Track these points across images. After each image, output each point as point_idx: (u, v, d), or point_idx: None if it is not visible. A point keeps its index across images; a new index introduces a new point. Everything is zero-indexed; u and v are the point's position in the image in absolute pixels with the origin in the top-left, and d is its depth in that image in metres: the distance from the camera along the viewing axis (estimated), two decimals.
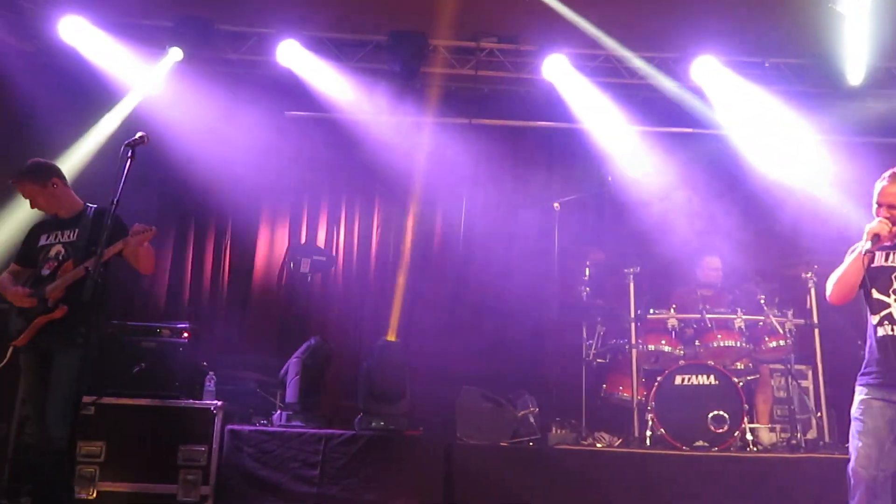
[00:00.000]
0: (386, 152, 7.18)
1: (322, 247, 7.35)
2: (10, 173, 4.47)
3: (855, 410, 3.57)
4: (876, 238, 3.57)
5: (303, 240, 7.42)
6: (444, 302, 7.27)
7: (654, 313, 6.09)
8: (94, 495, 5.12)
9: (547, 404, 5.99)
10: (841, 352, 5.84)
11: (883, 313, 3.60)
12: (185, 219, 7.35)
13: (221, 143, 6.96)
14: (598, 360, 6.45)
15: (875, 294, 3.63)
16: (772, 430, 5.87)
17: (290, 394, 5.90)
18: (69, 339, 4.07)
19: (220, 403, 5.43)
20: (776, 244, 7.10)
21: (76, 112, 6.83)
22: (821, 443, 5.84)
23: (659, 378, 5.69)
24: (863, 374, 3.62)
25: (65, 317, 4.17)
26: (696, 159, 7.14)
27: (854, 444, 3.51)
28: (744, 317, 5.92)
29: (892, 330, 3.55)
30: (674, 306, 6.07)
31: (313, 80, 7.07)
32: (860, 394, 3.58)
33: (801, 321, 6.05)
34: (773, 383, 6.18)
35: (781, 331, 5.92)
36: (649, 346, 6.01)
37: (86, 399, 4.95)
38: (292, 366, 6.05)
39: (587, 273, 6.49)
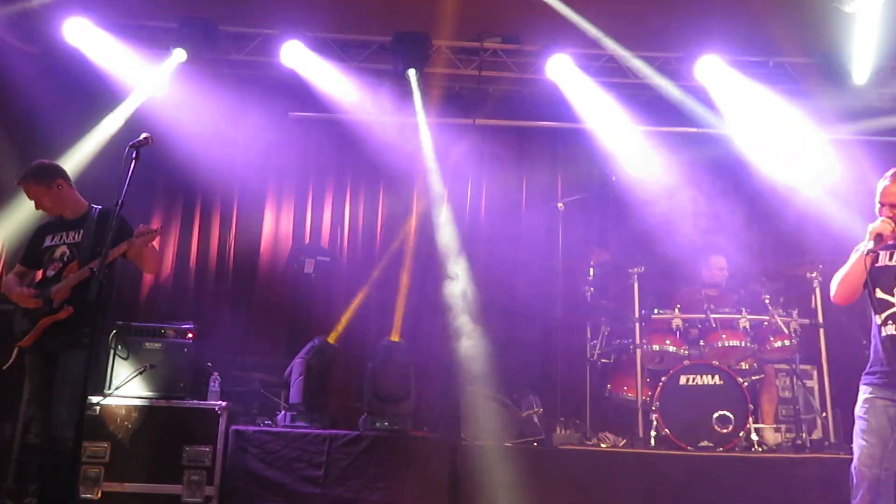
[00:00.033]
0: (390, 153, 7.18)
1: (326, 247, 7.36)
2: (15, 175, 4.49)
3: (859, 409, 3.58)
4: (878, 238, 3.56)
5: (307, 240, 7.43)
6: (448, 302, 7.26)
7: (659, 313, 6.08)
8: (99, 496, 5.13)
9: (551, 404, 5.99)
10: (846, 352, 5.82)
11: (887, 313, 3.59)
12: (189, 219, 7.36)
13: (225, 144, 6.98)
14: (603, 361, 6.44)
15: (879, 294, 3.62)
16: (777, 430, 5.85)
17: (294, 394, 5.91)
18: (74, 339, 4.08)
19: (224, 404, 5.44)
20: (781, 244, 7.09)
21: (80, 113, 6.85)
22: (826, 443, 5.82)
23: (663, 378, 5.68)
24: (867, 374, 3.62)
25: (70, 318, 4.19)
26: (700, 159, 7.12)
27: (857, 442, 3.51)
28: (748, 317, 5.90)
29: None
30: (678, 306, 6.05)
31: (317, 80, 7.07)
32: (864, 393, 3.59)
33: (806, 321, 6.03)
34: (777, 383, 6.16)
35: (786, 330, 5.90)
36: (654, 346, 6.00)
37: (91, 399, 4.98)
38: (296, 366, 6.06)
39: (591, 273, 6.49)
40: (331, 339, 6.64)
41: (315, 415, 5.77)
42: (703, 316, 5.96)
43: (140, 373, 5.48)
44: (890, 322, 3.57)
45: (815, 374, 6.23)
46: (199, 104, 6.88)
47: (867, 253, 3.55)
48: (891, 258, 3.65)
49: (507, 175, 7.51)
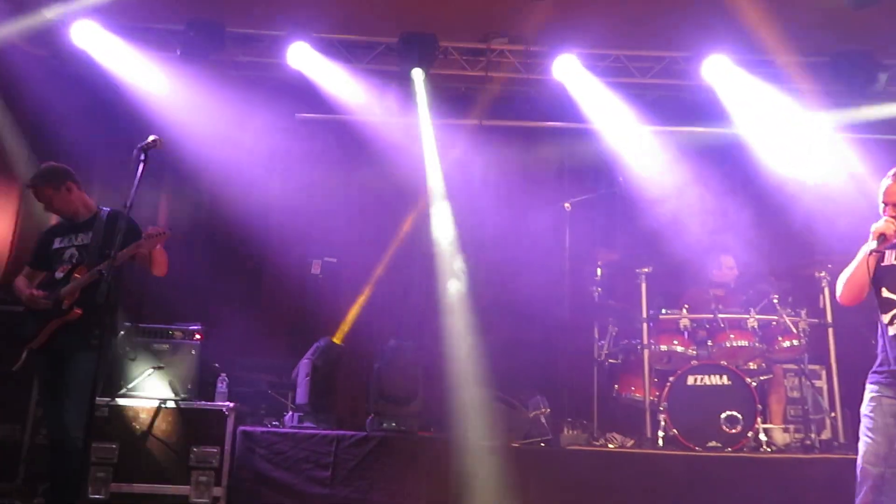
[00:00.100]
0: (396, 154, 7.19)
1: (333, 248, 7.36)
2: (25, 177, 4.52)
3: (865, 408, 3.58)
4: (882, 238, 3.54)
5: (314, 241, 7.43)
6: (455, 303, 7.25)
7: (667, 313, 6.07)
8: (108, 496, 5.15)
9: (559, 405, 5.98)
10: (855, 351, 5.77)
11: (893, 312, 3.58)
12: (196, 221, 7.38)
13: (232, 145, 7.00)
14: (610, 361, 6.43)
15: (885, 293, 3.62)
16: (785, 430, 5.83)
17: (301, 395, 5.93)
18: (84, 341, 4.10)
19: (232, 405, 5.46)
20: (789, 243, 7.05)
21: (88, 116, 6.88)
22: (835, 443, 5.80)
23: (671, 378, 5.67)
24: (873, 373, 3.62)
25: (79, 319, 4.22)
26: (707, 158, 7.10)
27: (863, 440, 3.52)
28: (757, 316, 5.88)
29: None
30: (686, 306, 6.04)
31: (323, 82, 7.08)
32: (870, 392, 3.59)
33: (815, 321, 6.01)
34: (786, 383, 6.14)
35: (795, 330, 5.88)
36: (661, 347, 5.99)
37: (99, 401, 5.00)
38: (302, 367, 6.07)
39: (599, 273, 6.47)
40: (336, 340, 6.66)
41: (322, 415, 5.78)
42: (711, 316, 5.94)
43: (148, 374, 5.51)
44: None
45: (823, 374, 6.21)
46: (206, 106, 6.90)
47: (871, 253, 3.54)
48: None
49: (513, 176, 7.50)
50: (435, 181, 7.17)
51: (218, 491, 5.23)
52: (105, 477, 5.16)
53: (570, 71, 7.01)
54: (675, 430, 5.48)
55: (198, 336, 5.75)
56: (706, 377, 5.64)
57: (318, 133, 7.46)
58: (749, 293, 6.14)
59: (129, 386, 5.48)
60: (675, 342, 5.98)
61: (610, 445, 5.69)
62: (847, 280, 3.68)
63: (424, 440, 5.51)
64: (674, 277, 6.49)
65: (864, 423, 3.54)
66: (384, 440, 5.34)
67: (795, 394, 6.17)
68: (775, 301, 5.94)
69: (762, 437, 5.52)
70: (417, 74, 7.02)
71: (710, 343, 5.97)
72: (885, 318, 3.61)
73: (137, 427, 5.31)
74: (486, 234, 7.36)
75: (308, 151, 7.39)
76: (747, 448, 5.46)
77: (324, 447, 5.31)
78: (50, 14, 6.44)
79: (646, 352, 5.93)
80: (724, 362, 5.73)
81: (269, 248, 7.37)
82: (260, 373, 6.32)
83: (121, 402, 5.37)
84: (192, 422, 5.36)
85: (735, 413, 5.47)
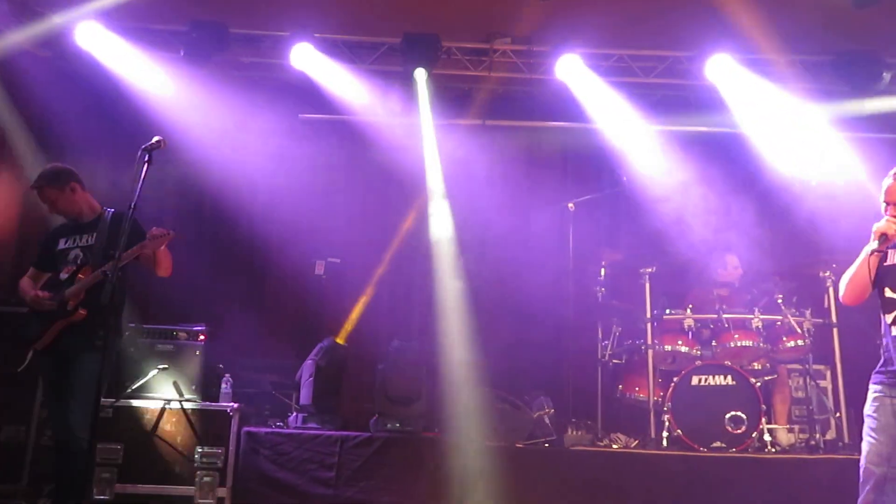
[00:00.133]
0: (399, 154, 7.19)
1: (336, 249, 7.36)
2: (29, 178, 4.53)
3: (868, 408, 3.57)
4: (883, 237, 3.53)
5: (317, 242, 7.43)
6: (459, 303, 7.25)
7: (671, 313, 6.07)
8: (113, 497, 5.16)
9: (562, 405, 5.98)
10: (860, 351, 5.77)
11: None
12: (200, 221, 7.39)
13: (236, 146, 7.01)
14: (614, 361, 6.43)
15: (888, 293, 3.60)
16: (790, 430, 5.82)
17: (304, 396, 5.93)
18: (88, 342, 4.11)
19: (236, 405, 5.46)
20: (794, 243, 7.04)
21: (92, 116, 6.89)
22: (840, 443, 5.79)
23: (675, 378, 5.66)
24: (877, 373, 3.61)
25: (84, 320, 4.23)
26: (711, 157, 7.09)
27: (866, 441, 3.51)
28: (761, 316, 5.87)
29: None
30: (690, 306, 6.03)
31: (327, 82, 7.08)
32: (873, 392, 3.58)
33: (820, 320, 6.00)
34: (791, 383, 6.12)
35: (799, 330, 5.87)
36: (666, 347, 5.98)
37: (104, 401, 5.01)
38: (306, 368, 6.08)
39: (602, 273, 6.47)
40: (340, 340, 6.66)
41: (326, 416, 5.78)
42: (716, 316, 5.93)
43: (153, 375, 5.51)
44: None
45: (828, 374, 6.20)
46: (210, 106, 6.91)
47: (872, 253, 3.53)
48: None
49: (517, 176, 7.50)
50: (438, 181, 7.17)
51: (222, 492, 5.23)
52: (110, 478, 5.16)
53: (572, 71, 6.99)
54: (679, 431, 5.48)
55: (202, 337, 5.75)
56: (710, 377, 5.63)
57: (322, 133, 7.47)
58: (753, 293, 6.13)
59: (134, 387, 5.48)
60: (680, 342, 5.97)
61: (614, 446, 5.69)
62: (849, 280, 3.67)
63: (428, 441, 5.50)
64: (678, 277, 6.49)
65: (868, 423, 3.53)
66: (388, 441, 5.35)
67: (800, 394, 6.14)
68: (780, 301, 5.93)
69: (767, 437, 5.51)
70: (420, 74, 7.01)
71: (714, 343, 5.97)
72: (889, 317, 3.59)
73: (142, 428, 5.31)
74: (489, 234, 7.36)
75: (311, 152, 7.39)
76: (752, 448, 5.46)
77: (328, 448, 5.31)
78: (59, 20, 6.46)
79: (650, 352, 5.92)
80: (728, 362, 5.72)
81: (272, 249, 7.37)
82: (264, 373, 6.32)
83: (126, 402, 5.37)
84: (196, 422, 5.36)
85: (739, 413, 5.46)
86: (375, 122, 7.23)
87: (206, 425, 5.37)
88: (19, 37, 6.38)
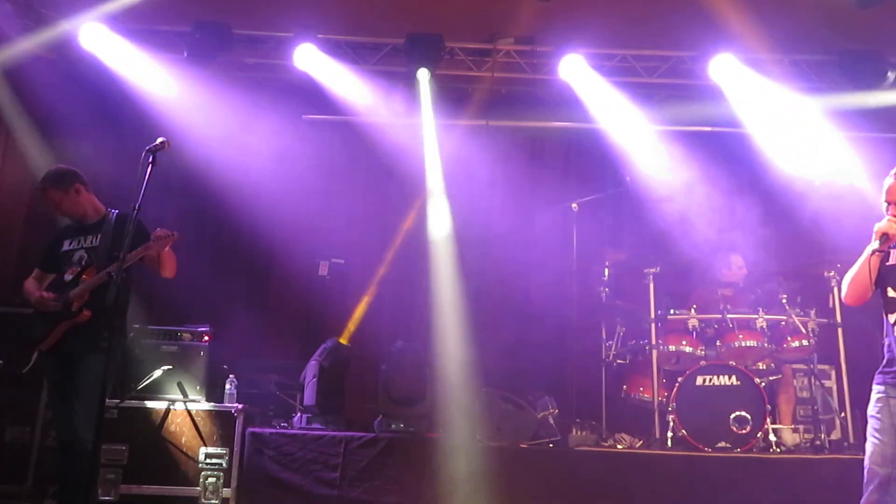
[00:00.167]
0: (403, 155, 7.19)
1: (340, 249, 7.36)
2: (34, 180, 4.54)
3: (871, 409, 3.55)
4: (885, 237, 3.52)
5: (321, 243, 7.43)
6: (462, 304, 7.25)
7: (675, 313, 6.06)
8: (118, 498, 5.16)
9: (567, 406, 5.97)
10: (864, 351, 5.72)
11: None
12: (204, 222, 7.39)
13: (239, 147, 7.02)
14: (618, 361, 6.43)
15: (891, 293, 3.59)
16: (795, 430, 5.81)
17: (308, 396, 5.94)
18: (93, 343, 4.12)
19: (240, 406, 5.47)
20: (798, 242, 7.03)
21: (96, 118, 6.90)
22: (845, 444, 5.78)
23: (680, 379, 5.65)
24: (880, 373, 3.60)
25: (89, 321, 4.23)
26: (714, 157, 7.08)
27: (870, 441, 3.50)
28: (765, 316, 5.86)
29: None
30: (694, 306, 6.02)
31: (330, 83, 7.09)
32: (877, 392, 3.56)
33: (824, 320, 5.99)
34: (795, 383, 6.11)
35: (804, 330, 5.86)
36: (670, 347, 5.97)
37: (109, 402, 5.02)
38: (310, 368, 6.08)
39: (606, 274, 6.47)
40: (343, 340, 6.66)
41: (330, 417, 5.78)
42: (720, 316, 5.92)
43: (157, 376, 5.52)
44: None
45: (833, 374, 6.19)
46: (213, 107, 6.92)
47: (873, 253, 3.53)
48: None
49: (520, 176, 7.49)
50: (441, 181, 7.17)
51: (227, 492, 5.24)
52: (115, 478, 5.17)
53: (576, 71, 6.99)
54: (683, 431, 5.47)
55: (206, 338, 5.76)
56: (715, 377, 5.62)
57: (325, 134, 7.48)
58: (757, 293, 6.13)
59: (139, 388, 5.49)
60: (684, 342, 5.97)
61: (618, 446, 5.68)
62: (851, 280, 3.66)
63: (433, 441, 5.49)
64: (682, 277, 6.48)
65: (871, 424, 3.52)
66: (392, 441, 5.34)
67: (805, 394, 6.14)
68: (784, 301, 5.92)
69: (771, 437, 5.51)
70: (423, 75, 7.02)
71: (718, 343, 5.96)
72: (892, 317, 3.58)
73: (147, 429, 5.32)
74: (492, 234, 7.36)
75: (315, 152, 7.40)
76: (756, 449, 5.45)
77: (332, 448, 5.31)
78: (68, 25, 6.49)
79: (654, 352, 5.92)
80: (732, 362, 5.71)
81: (276, 250, 7.37)
82: (268, 374, 6.32)
83: (130, 403, 5.38)
84: (201, 423, 5.37)
85: (744, 413, 5.45)
86: (379, 122, 7.23)
87: (210, 426, 5.38)
88: (25, 40, 6.40)
